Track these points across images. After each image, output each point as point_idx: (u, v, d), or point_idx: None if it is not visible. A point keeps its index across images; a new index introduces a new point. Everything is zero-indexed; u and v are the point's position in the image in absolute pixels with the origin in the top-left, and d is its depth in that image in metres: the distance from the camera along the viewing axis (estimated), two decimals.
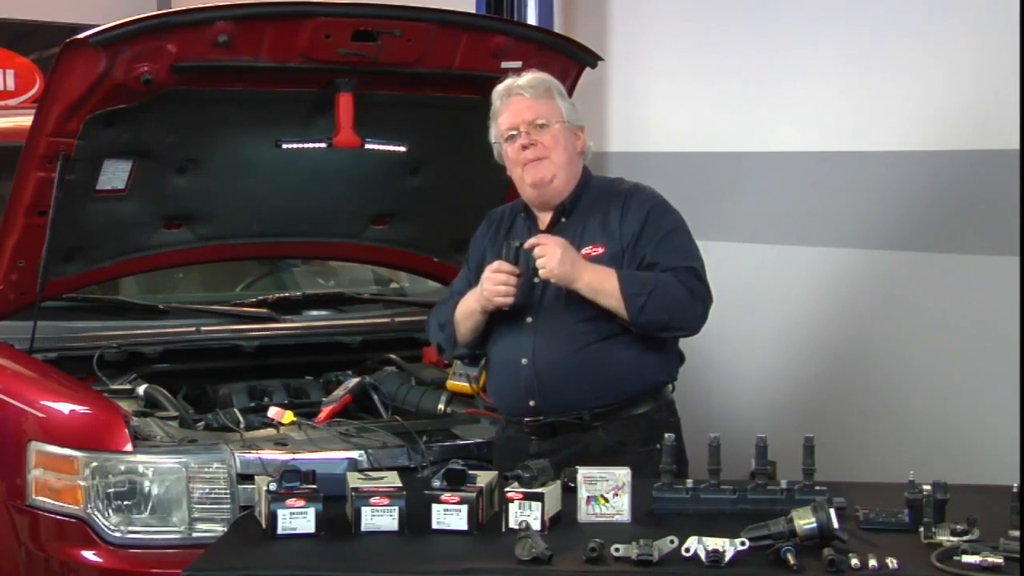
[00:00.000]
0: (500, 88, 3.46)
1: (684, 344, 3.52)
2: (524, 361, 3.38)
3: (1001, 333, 4.38)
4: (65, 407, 3.62)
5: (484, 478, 2.96)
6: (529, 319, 3.41)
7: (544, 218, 3.48)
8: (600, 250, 3.38)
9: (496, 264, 3.36)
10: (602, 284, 3.28)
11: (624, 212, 3.41)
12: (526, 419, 3.42)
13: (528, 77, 3.45)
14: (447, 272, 4.45)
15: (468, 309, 3.46)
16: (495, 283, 3.34)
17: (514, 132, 3.39)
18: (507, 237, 3.47)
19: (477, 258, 3.57)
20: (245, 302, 4.58)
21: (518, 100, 3.41)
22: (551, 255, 3.27)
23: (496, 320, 3.44)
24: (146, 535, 3.41)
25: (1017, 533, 2.65)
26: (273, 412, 3.83)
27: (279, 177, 4.17)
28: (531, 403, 3.39)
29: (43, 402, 3.65)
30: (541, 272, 3.29)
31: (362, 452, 3.53)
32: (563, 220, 3.45)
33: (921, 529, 2.74)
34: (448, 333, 3.53)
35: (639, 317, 3.27)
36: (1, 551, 3.60)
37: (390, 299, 4.97)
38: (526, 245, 3.34)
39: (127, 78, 3.59)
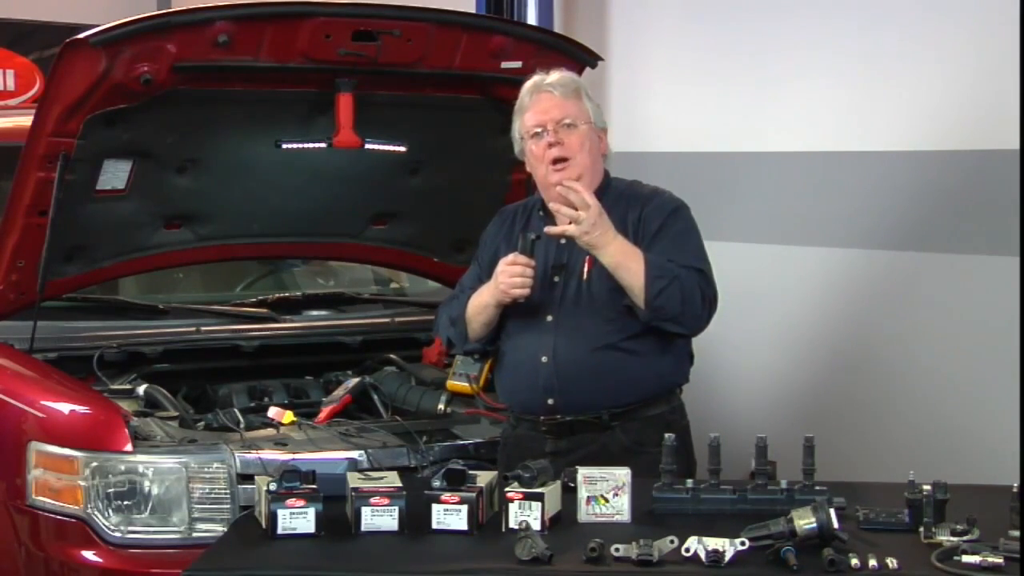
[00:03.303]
0: (529, 84, 3.41)
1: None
2: (544, 359, 3.36)
3: (1001, 333, 4.38)
4: (65, 407, 3.62)
5: (484, 478, 2.95)
6: (549, 317, 3.38)
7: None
8: None
9: (512, 256, 3.33)
10: (626, 258, 3.24)
11: (642, 214, 3.38)
12: (542, 417, 3.40)
13: (557, 75, 3.40)
14: (447, 272, 4.45)
15: (481, 304, 3.43)
16: (511, 275, 3.31)
17: (540, 130, 3.36)
18: (523, 231, 3.45)
19: (489, 254, 3.54)
20: (245, 302, 4.58)
21: (547, 97, 3.36)
22: (589, 215, 3.20)
23: (512, 317, 3.42)
24: (146, 535, 3.41)
25: (1017, 533, 2.65)
26: (273, 412, 3.83)
27: (279, 177, 4.17)
28: (549, 401, 3.37)
29: (43, 402, 3.65)
30: (571, 228, 3.22)
31: (362, 452, 3.54)
32: None
33: (921, 529, 2.74)
34: (459, 328, 3.50)
35: (655, 300, 3.23)
36: (1, 551, 3.60)
37: (390, 299, 4.97)
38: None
39: (127, 78, 3.59)
